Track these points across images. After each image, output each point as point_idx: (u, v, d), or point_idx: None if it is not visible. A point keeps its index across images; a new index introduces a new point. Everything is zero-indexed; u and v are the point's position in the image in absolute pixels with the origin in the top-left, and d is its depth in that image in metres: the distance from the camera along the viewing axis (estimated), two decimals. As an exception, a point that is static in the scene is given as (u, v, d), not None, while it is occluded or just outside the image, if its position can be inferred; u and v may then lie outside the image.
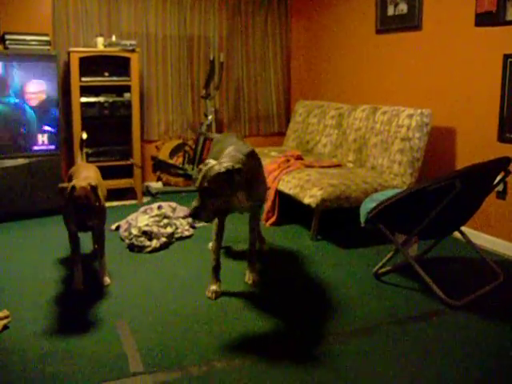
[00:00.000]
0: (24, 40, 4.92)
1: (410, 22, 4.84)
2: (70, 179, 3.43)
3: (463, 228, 3.63)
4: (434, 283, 3.21)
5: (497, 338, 2.77)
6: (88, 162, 4.18)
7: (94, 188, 3.02)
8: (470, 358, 2.58)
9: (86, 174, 3.20)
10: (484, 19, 4.10)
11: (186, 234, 4.40)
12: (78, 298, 3.24)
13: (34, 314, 3.03)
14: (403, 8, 4.91)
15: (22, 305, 3.14)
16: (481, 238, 4.22)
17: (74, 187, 2.96)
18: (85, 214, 2.99)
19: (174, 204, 4.67)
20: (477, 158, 3.99)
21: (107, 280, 3.43)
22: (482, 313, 3.05)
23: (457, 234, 3.69)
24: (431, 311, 3.07)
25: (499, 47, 4.01)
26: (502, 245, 4.09)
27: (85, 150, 4.05)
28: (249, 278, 3.48)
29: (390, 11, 5.08)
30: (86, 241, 3.90)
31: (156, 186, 6.11)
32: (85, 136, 4.01)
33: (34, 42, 4.96)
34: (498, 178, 3.39)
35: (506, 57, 3.96)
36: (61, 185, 3.06)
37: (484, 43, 4.15)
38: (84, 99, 5.30)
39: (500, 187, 4.02)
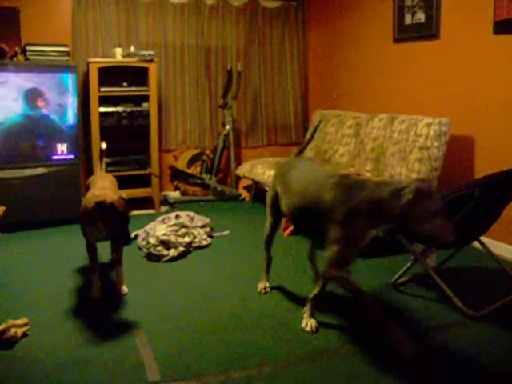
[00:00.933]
0: (44, 51, 4.99)
1: (428, 30, 4.82)
2: (87, 189, 3.47)
3: (482, 238, 3.59)
4: (453, 294, 3.18)
5: (518, 350, 2.74)
6: (106, 171, 4.21)
7: (125, 200, 3.05)
8: (489, 370, 2.54)
9: (101, 185, 3.21)
10: (502, 27, 4.07)
11: (204, 243, 4.41)
12: (96, 307, 3.26)
13: (51, 322, 3.05)
14: (421, 17, 4.90)
15: (41, 313, 3.16)
16: (500, 247, 4.17)
17: (112, 203, 2.96)
18: (123, 222, 2.99)
19: (191, 213, 4.68)
20: (496, 167, 3.94)
21: (125, 289, 3.45)
22: (501, 324, 3.00)
23: (476, 244, 3.64)
24: (450, 322, 3.04)
25: (518, 55, 3.98)
26: (522, 255, 4.04)
27: (104, 159, 4.08)
28: (306, 324, 2.97)
29: (408, 20, 5.07)
30: (104, 250, 3.92)
31: (174, 195, 6.14)
32: (104, 146, 4.04)
33: (53, 53, 5.03)
34: (518, 188, 3.35)
35: (526, 65, 3.93)
36: (97, 200, 2.99)
37: (502, 51, 4.12)
38: (102, 109, 5.35)
39: (520, 196, 3.97)
